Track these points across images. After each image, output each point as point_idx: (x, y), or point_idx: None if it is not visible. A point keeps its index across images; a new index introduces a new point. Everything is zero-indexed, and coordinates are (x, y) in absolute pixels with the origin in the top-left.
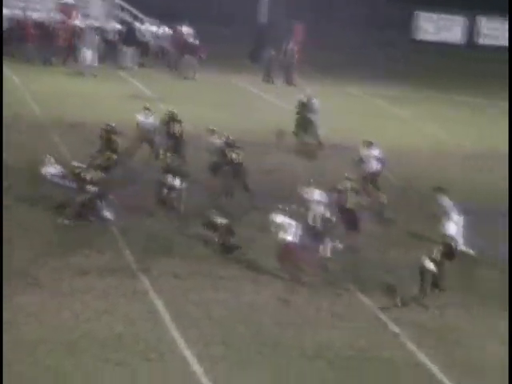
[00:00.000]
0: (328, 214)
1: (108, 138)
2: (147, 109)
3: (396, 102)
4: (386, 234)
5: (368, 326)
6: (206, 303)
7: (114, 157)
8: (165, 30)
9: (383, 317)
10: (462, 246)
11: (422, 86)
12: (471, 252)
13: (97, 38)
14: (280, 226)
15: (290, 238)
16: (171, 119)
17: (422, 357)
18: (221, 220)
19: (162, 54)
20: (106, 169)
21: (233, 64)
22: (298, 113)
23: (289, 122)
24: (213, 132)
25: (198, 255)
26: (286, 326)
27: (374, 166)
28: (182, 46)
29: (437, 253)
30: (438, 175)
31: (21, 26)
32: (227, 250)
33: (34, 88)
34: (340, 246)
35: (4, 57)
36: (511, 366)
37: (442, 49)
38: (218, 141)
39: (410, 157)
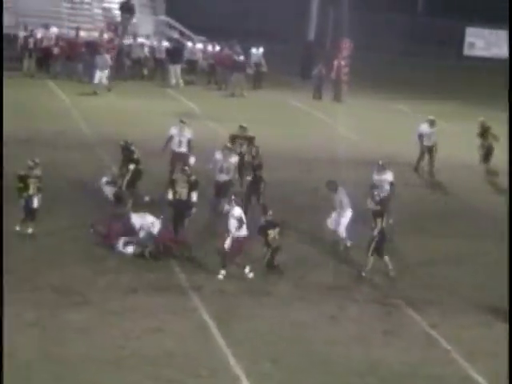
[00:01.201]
0: None
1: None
2: (182, 122)
3: (444, 118)
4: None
5: (419, 343)
6: (254, 320)
7: (131, 167)
8: (213, 47)
9: (434, 333)
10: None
11: (470, 101)
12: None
13: (146, 54)
14: (238, 220)
15: (244, 232)
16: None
17: (474, 373)
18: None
19: (210, 72)
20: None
21: (282, 81)
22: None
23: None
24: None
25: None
26: (335, 344)
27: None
28: (231, 64)
29: None
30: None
31: (71, 45)
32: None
33: (82, 105)
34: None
35: (50, 75)
36: (511, 367)
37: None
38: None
39: (461, 171)
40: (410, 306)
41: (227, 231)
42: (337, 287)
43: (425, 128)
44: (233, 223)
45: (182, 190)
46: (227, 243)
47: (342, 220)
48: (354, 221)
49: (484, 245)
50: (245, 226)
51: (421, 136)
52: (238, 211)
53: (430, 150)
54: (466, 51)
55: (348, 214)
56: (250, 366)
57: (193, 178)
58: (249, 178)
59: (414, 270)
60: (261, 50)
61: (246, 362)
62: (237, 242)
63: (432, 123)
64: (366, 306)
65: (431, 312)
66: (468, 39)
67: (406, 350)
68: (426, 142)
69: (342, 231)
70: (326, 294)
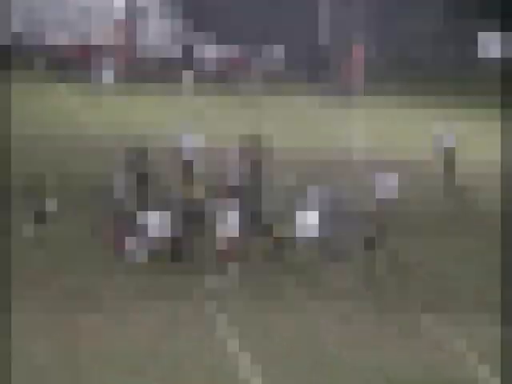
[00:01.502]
0: None
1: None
2: (192, 126)
3: (450, 119)
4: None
5: (431, 345)
6: (267, 322)
7: (142, 169)
8: (222, 50)
9: (446, 336)
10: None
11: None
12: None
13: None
14: (234, 220)
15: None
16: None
17: (486, 375)
18: None
19: (222, 75)
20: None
21: (292, 84)
22: None
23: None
24: None
25: (260, 273)
26: (347, 346)
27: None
28: (242, 67)
29: None
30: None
31: (82, 48)
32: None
33: (93, 108)
34: None
35: (61, 78)
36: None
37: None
38: None
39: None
40: (422, 308)
41: (222, 232)
42: (348, 289)
43: (440, 131)
44: (229, 224)
45: (193, 193)
46: (222, 243)
47: (310, 220)
48: (350, 222)
49: (493, 245)
50: (238, 228)
51: (437, 140)
52: (235, 213)
53: (449, 155)
54: (479, 53)
55: (316, 214)
56: (263, 367)
57: (203, 181)
58: (248, 183)
59: (423, 271)
60: (278, 51)
61: (259, 363)
62: (231, 242)
63: (448, 126)
64: (377, 309)
65: (443, 315)
66: (481, 41)
67: (418, 353)
68: (445, 145)
69: (315, 228)
70: (337, 297)
